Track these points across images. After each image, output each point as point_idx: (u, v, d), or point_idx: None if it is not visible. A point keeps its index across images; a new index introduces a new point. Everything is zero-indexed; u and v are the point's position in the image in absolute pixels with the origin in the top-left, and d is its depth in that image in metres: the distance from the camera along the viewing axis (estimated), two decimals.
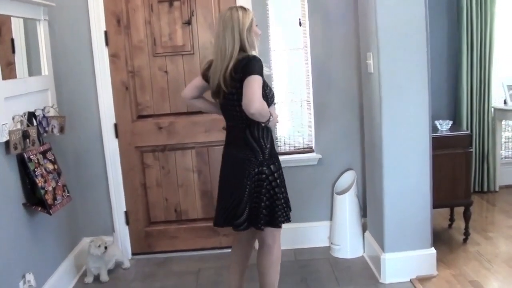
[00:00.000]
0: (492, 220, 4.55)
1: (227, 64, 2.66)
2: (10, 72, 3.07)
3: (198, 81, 2.94)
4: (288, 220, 2.88)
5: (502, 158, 5.31)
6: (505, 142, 5.43)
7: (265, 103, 2.64)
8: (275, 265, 2.95)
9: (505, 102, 5.04)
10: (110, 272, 3.76)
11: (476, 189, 5.13)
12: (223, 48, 2.68)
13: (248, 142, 2.76)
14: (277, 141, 4.03)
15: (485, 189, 5.14)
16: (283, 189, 2.85)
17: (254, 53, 2.75)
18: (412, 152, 3.34)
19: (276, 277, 2.97)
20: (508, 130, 5.46)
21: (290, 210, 2.93)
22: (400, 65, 3.25)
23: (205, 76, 2.87)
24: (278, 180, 2.80)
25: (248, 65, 2.61)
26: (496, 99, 5.17)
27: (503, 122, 5.26)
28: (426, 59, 3.26)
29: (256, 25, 2.80)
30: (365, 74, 3.62)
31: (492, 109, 5.07)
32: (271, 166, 2.80)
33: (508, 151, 5.43)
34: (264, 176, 2.75)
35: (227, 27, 2.68)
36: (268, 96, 2.76)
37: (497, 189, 5.17)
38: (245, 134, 2.76)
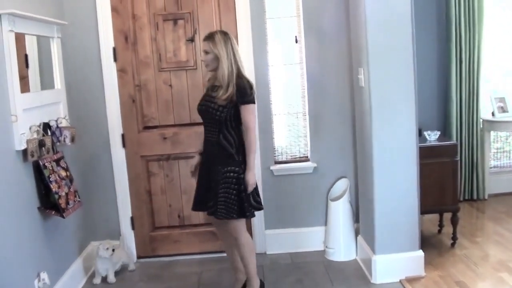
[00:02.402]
0: (480, 227, 4.78)
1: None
2: (24, 86, 3.28)
3: None
4: None
5: (491, 168, 5.53)
6: (495, 153, 5.67)
7: None
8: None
9: (493, 114, 5.28)
10: (116, 274, 3.97)
11: (466, 197, 5.35)
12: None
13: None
14: (275, 150, 4.27)
15: (475, 197, 5.35)
16: None
17: None
18: (401, 161, 3.57)
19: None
20: (498, 141, 5.70)
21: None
22: (389, 79, 3.49)
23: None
24: None
25: None
26: (485, 111, 5.40)
27: (492, 133, 5.50)
28: (413, 74, 3.50)
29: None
30: (357, 88, 3.87)
31: (481, 121, 5.30)
32: None
33: (497, 161, 5.66)
34: (229, 174, 3.30)
35: None
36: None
37: (486, 197, 5.38)
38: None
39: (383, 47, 3.46)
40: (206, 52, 3.22)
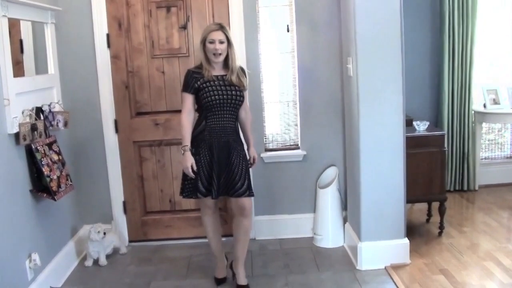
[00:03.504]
0: (469, 217, 4.85)
1: None
2: (18, 70, 3.37)
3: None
4: None
5: (482, 159, 5.60)
6: (488, 144, 5.74)
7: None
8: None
9: (485, 106, 5.35)
10: (108, 257, 4.07)
11: (457, 187, 5.44)
12: None
13: None
14: (266, 138, 4.35)
15: (465, 188, 5.43)
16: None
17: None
18: (388, 150, 3.64)
19: None
20: (491, 133, 5.76)
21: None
22: (376, 69, 3.56)
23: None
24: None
25: None
26: (477, 103, 5.46)
27: (485, 125, 5.57)
28: (401, 64, 3.56)
29: (210, 42, 3.27)
30: (346, 77, 3.94)
31: (473, 112, 5.37)
32: None
33: (490, 153, 5.73)
34: (246, 157, 3.48)
35: None
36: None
37: (476, 188, 5.47)
38: None
39: (372, 37, 3.52)
40: (222, 42, 3.26)
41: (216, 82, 3.32)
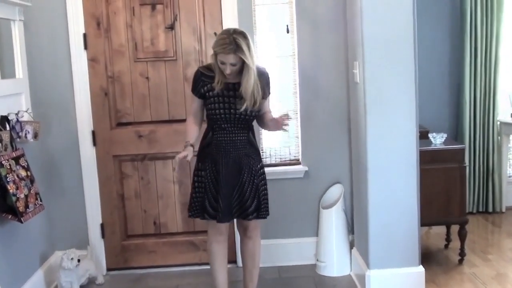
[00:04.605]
0: (494, 243, 4.81)
1: None
2: None
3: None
4: None
5: (509, 177, 5.57)
6: None
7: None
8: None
9: None
10: None
11: (480, 209, 5.40)
12: None
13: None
14: (263, 152, 4.32)
15: (490, 209, 5.39)
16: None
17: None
18: (399, 165, 3.61)
19: None
20: None
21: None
22: (386, 75, 3.54)
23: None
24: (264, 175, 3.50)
25: None
26: (503, 112, 5.42)
27: (511, 137, 5.53)
28: (414, 69, 3.54)
29: (221, 63, 3.18)
30: (352, 83, 3.94)
31: (498, 123, 5.35)
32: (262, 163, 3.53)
33: None
34: (262, 170, 3.46)
35: None
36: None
37: (503, 210, 5.42)
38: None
39: (380, 38, 3.51)
40: (234, 65, 3.17)
41: (225, 92, 3.26)
